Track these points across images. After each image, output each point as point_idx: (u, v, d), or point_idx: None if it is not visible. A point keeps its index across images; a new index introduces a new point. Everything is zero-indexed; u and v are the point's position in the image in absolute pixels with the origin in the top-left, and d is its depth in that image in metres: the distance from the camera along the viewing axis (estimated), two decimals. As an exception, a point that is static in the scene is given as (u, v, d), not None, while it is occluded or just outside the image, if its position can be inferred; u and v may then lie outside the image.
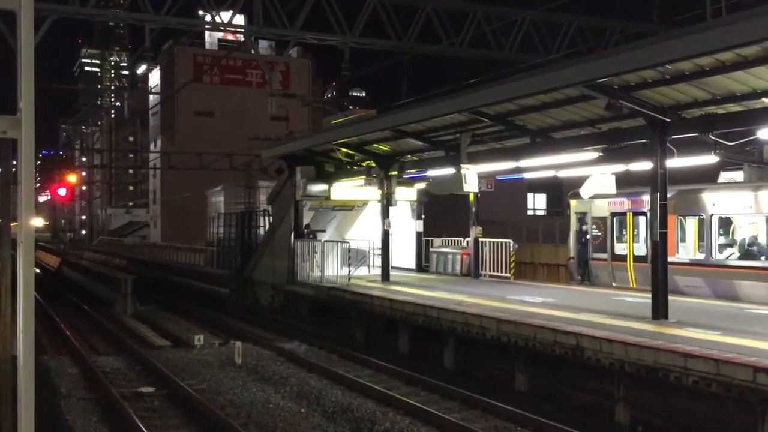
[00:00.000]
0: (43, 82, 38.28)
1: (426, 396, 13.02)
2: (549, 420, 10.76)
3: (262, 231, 29.89)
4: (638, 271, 18.04)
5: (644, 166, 14.33)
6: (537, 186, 38.23)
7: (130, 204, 78.54)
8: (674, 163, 13.32)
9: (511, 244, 21.95)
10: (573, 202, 20.44)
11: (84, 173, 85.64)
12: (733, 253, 16.17)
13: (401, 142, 20.87)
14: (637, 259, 18.15)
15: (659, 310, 12.86)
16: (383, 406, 12.14)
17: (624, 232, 18.92)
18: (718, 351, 9.72)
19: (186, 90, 49.75)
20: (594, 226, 19.78)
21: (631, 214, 18.53)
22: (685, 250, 17.12)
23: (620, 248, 18.97)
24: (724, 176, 17.90)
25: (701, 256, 16.53)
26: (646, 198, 15.61)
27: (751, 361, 9.05)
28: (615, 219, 19.15)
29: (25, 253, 2.83)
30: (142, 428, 10.52)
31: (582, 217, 20.21)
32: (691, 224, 17.07)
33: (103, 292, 29.87)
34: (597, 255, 19.69)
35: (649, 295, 13.35)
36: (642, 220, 17.87)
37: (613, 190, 17.39)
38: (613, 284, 18.99)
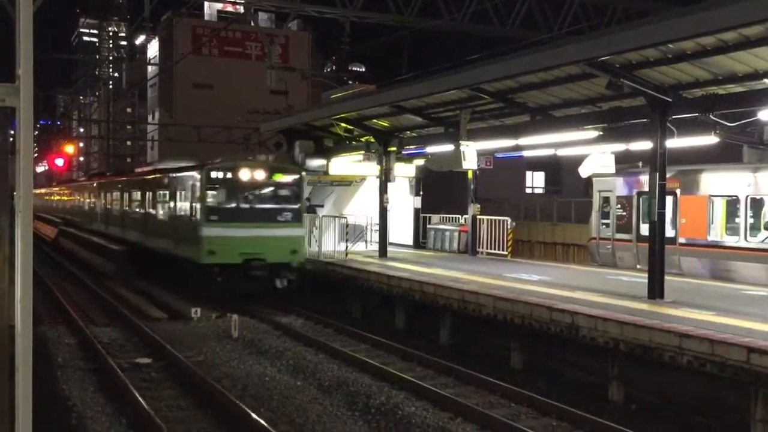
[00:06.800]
0: (41, 52, 37.97)
1: (421, 371, 13.08)
2: (543, 397, 10.84)
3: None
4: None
5: (645, 145, 14.27)
6: (536, 164, 38.10)
7: (128, 175, 78.21)
8: (674, 143, 13.29)
9: (508, 222, 21.96)
10: (596, 180, 19.65)
11: (81, 144, 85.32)
12: None
13: (401, 118, 20.79)
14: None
15: (655, 290, 12.91)
16: (379, 381, 12.22)
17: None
18: (712, 331, 9.77)
19: (185, 61, 49.41)
20: (619, 206, 19.04)
21: None
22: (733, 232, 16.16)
23: (646, 229, 18.24)
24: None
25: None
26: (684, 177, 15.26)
27: (745, 342, 9.10)
28: (641, 199, 18.18)
29: (23, 223, 2.82)
30: (139, 399, 10.58)
31: (606, 197, 19.45)
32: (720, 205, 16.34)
33: (99, 264, 29.87)
34: (620, 236, 18.93)
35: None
36: (669, 199, 17.00)
37: (613, 170, 17.27)
38: (638, 266, 17.87)
